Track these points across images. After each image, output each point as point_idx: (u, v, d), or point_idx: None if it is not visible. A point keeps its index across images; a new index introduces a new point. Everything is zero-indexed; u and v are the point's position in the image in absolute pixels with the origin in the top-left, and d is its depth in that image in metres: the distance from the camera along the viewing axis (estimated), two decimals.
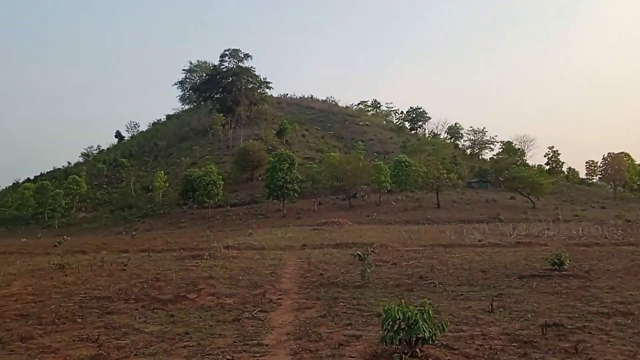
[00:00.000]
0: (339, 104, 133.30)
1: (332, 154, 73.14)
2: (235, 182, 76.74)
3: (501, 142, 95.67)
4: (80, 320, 9.39)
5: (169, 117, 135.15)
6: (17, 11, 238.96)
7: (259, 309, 10.05)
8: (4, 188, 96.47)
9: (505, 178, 69.76)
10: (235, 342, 7.55)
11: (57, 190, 69.33)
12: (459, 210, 55.32)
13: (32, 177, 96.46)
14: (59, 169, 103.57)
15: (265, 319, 9.18)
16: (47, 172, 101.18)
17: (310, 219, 51.26)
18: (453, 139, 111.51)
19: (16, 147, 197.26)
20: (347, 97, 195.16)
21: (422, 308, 6.40)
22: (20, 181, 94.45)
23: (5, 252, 28.03)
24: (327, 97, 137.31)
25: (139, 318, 9.49)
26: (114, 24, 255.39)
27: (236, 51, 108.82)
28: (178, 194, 67.76)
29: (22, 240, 40.58)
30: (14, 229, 65.95)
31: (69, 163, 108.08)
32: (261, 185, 67.58)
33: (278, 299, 11.18)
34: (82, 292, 12.55)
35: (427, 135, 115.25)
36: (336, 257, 19.92)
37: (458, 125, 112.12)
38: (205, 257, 20.34)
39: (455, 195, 65.22)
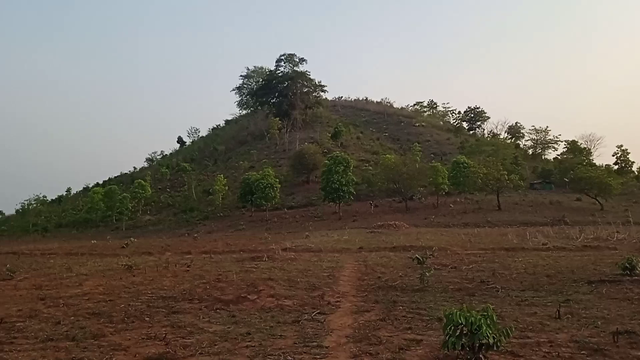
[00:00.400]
0: (394, 105, 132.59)
1: (387, 155, 72.69)
2: (291, 185, 77.70)
3: (565, 141, 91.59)
4: (148, 319, 9.79)
5: (227, 122, 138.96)
6: (84, 22, 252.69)
7: (318, 311, 10.13)
8: (75, 192, 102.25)
9: (570, 179, 66.74)
10: (296, 343, 7.65)
11: (124, 194, 72.69)
12: (521, 213, 53.46)
13: (100, 182, 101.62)
14: (125, 173, 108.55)
15: (325, 321, 9.24)
16: (115, 177, 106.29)
17: (366, 222, 51.12)
18: (514, 138, 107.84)
19: (86, 153, 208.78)
20: (402, 98, 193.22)
21: (485, 313, 6.25)
22: (90, 186, 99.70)
23: (77, 253, 29.66)
24: (381, 99, 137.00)
25: (203, 318, 9.79)
26: (176, 35, 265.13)
27: (291, 56, 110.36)
28: (237, 197, 69.39)
29: (93, 242, 42.77)
30: (85, 231, 69.70)
31: (134, 168, 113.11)
32: (317, 187, 68.05)
33: (336, 302, 11.23)
34: (149, 292, 13.08)
35: (486, 135, 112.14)
36: (393, 260, 19.76)
37: (519, 125, 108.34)
38: (264, 259, 20.73)
39: (517, 197, 63.11)
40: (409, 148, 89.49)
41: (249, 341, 7.84)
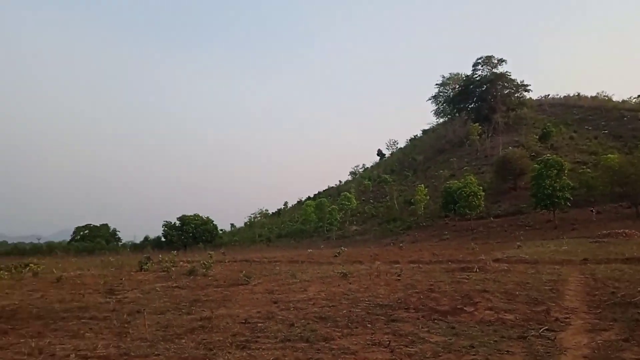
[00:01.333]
0: (613, 99, 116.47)
1: (609, 155, 64.10)
2: (496, 193, 73.80)
3: None
4: (369, 325, 10.25)
5: (424, 131, 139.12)
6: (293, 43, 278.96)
7: (545, 327, 9.42)
8: (291, 205, 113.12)
9: None
10: None
11: (333, 206, 77.81)
12: None
13: (312, 196, 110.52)
14: (332, 187, 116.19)
15: (555, 338, 8.55)
16: (324, 191, 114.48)
17: (588, 231, 45.78)
18: None
19: (299, 169, 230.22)
20: (622, 90, 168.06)
21: None
22: (303, 199, 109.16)
23: (298, 261, 32.55)
24: (597, 93, 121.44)
25: (422, 327, 9.89)
26: (372, 52, 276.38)
27: (489, 58, 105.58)
28: (439, 206, 68.64)
29: (309, 250, 46.49)
30: (301, 240, 76.26)
31: (340, 181, 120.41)
32: (526, 194, 63.45)
33: (565, 318, 10.30)
34: (366, 300, 13.69)
35: None
36: (628, 274, 17.31)
37: None
38: (474, 270, 20.04)
39: None
40: (636, 146, 77.53)
41: (474, 354, 7.67)
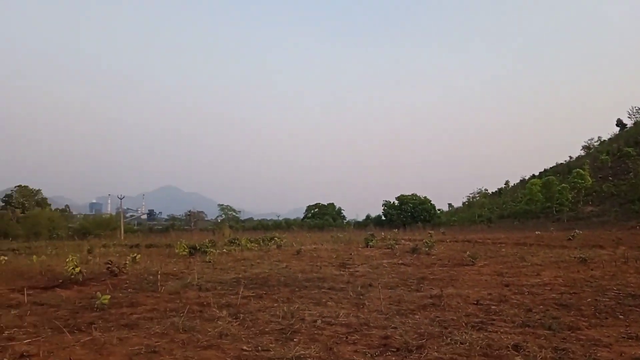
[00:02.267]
0: None
1: None
2: None
3: None
4: (622, 317, 9.17)
5: None
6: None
7: None
8: (513, 184, 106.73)
9: None
10: None
11: (563, 184, 71.01)
12: None
13: (537, 174, 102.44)
14: (561, 163, 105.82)
15: None
16: (551, 168, 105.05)
17: None
18: None
19: (521, 146, 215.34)
20: None
21: None
22: (526, 178, 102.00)
23: (525, 243, 30.62)
24: None
25: None
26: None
27: None
28: None
29: (536, 232, 43.32)
30: (526, 222, 71.51)
31: (570, 157, 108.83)
32: None
33: None
34: (614, 288, 12.23)
35: None
36: None
37: None
38: None
39: None
40: None
41: None
